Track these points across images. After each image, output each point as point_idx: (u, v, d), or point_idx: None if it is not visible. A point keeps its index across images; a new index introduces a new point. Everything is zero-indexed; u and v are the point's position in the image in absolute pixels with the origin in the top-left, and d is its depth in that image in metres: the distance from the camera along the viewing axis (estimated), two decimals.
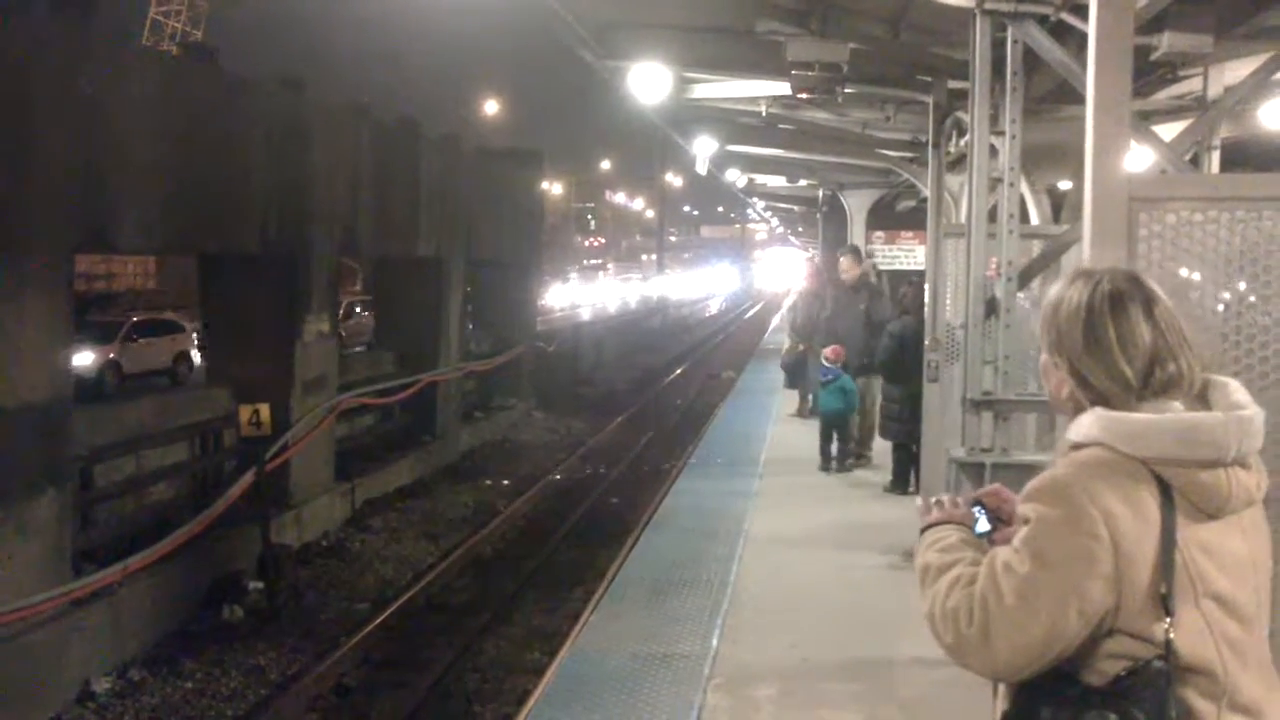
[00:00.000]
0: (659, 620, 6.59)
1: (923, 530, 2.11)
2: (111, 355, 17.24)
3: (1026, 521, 1.87)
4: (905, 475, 9.67)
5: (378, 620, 11.74)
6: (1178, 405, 1.88)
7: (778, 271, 75.82)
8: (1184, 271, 3.41)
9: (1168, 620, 1.76)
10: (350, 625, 11.84)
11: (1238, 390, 1.91)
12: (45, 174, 10.64)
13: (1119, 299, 1.92)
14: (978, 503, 2.14)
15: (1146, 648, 1.78)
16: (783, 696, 5.41)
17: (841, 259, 11.46)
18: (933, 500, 2.17)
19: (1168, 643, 1.76)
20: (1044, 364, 2.03)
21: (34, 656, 9.67)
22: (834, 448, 10.92)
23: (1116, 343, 1.90)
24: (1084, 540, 1.78)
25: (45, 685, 9.73)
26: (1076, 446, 1.91)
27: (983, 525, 2.09)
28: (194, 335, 19.29)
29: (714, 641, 6.18)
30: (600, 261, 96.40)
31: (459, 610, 12.52)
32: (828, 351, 10.88)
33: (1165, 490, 1.82)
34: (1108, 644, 1.81)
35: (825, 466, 10.91)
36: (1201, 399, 1.91)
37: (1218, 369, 2.01)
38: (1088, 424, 1.90)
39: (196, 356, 19.03)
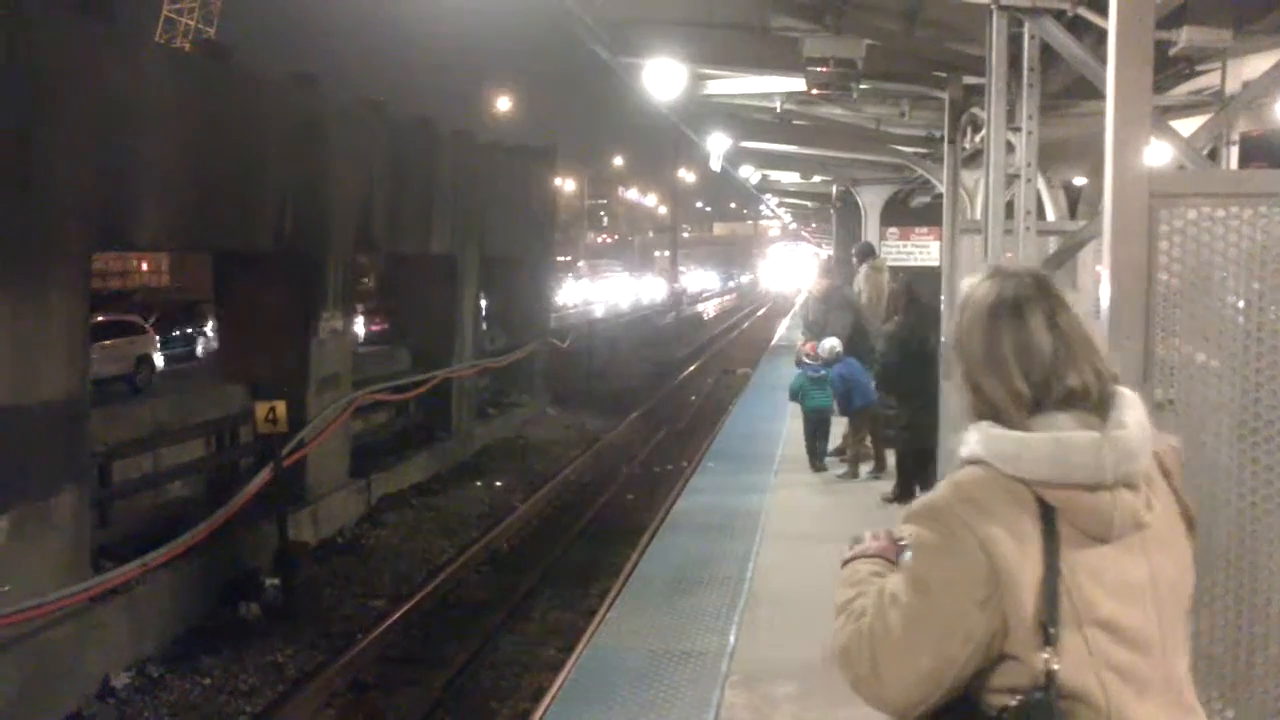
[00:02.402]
0: (676, 617, 6.61)
1: (842, 567, 2.01)
2: None
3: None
4: (911, 486, 9.06)
5: (394, 617, 11.78)
6: (1068, 420, 1.75)
7: (787, 270, 74.67)
8: (1205, 268, 3.39)
9: (1048, 650, 1.68)
10: (367, 622, 11.88)
11: (1129, 407, 1.79)
12: (65, 173, 10.70)
13: (1020, 306, 1.82)
14: None
15: (1034, 677, 1.69)
16: (802, 694, 5.40)
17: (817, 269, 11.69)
18: (854, 537, 2.07)
19: (1049, 673, 1.68)
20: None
21: (55, 652, 9.75)
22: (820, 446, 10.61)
23: (1013, 353, 1.80)
24: (959, 565, 1.70)
25: (66, 680, 9.82)
26: (966, 462, 1.80)
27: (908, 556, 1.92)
28: (156, 336, 17.73)
29: (731, 638, 6.19)
30: (567, 259, 79.53)
31: (475, 607, 12.55)
32: (806, 348, 10.55)
33: (1048, 513, 1.71)
34: (1000, 671, 1.73)
35: (814, 466, 10.60)
36: (1104, 413, 1.79)
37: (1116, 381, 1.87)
38: (974, 440, 1.79)
39: (159, 360, 17.45)
